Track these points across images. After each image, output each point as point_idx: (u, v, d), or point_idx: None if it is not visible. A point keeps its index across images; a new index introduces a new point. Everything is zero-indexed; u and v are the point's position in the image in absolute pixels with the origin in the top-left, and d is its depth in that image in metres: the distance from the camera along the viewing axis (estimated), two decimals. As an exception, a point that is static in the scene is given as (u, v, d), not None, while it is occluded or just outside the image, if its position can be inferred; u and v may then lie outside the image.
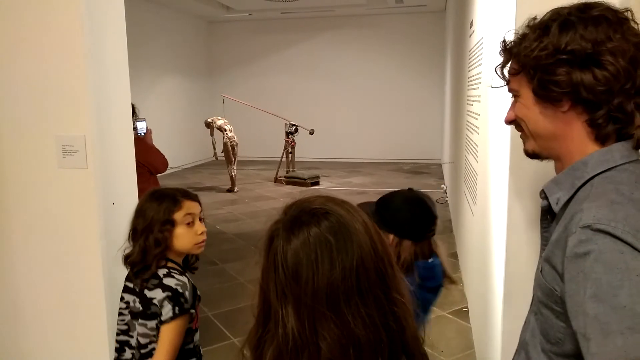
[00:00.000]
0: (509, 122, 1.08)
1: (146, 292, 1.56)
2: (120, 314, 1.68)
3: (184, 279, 1.60)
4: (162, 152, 3.38)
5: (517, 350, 1.14)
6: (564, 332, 0.92)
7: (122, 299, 1.68)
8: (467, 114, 3.80)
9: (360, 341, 0.78)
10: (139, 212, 1.61)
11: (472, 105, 3.48)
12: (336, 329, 0.77)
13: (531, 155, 1.07)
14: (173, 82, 11.02)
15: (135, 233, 1.60)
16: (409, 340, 0.83)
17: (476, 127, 3.08)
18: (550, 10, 0.98)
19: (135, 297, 1.60)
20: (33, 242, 2.15)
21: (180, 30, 11.29)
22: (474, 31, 3.50)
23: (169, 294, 1.54)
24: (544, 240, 1.05)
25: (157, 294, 1.54)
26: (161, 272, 1.59)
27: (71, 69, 1.98)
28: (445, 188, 7.52)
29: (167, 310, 1.52)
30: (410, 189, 1.68)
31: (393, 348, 0.81)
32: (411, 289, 1.01)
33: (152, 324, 1.55)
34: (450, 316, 3.64)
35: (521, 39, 0.99)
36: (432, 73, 11.17)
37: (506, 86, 1.09)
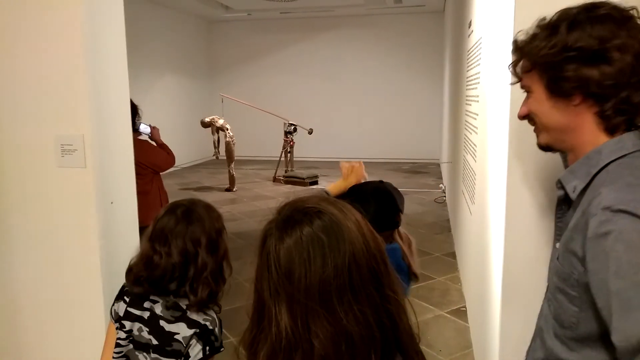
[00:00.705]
0: (522, 117, 1.14)
1: (163, 324, 1.39)
2: (118, 344, 1.46)
3: (212, 313, 1.43)
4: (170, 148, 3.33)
5: (533, 337, 1.19)
6: (577, 316, 0.96)
7: (121, 327, 1.45)
8: (466, 114, 3.81)
9: (353, 338, 0.78)
10: (187, 252, 1.40)
11: (470, 105, 3.48)
12: (329, 326, 0.78)
13: (544, 147, 1.13)
14: (172, 81, 11.02)
15: (192, 257, 1.40)
16: (403, 337, 0.84)
17: (475, 127, 3.08)
18: (559, 11, 1.03)
19: (142, 326, 1.42)
20: (32, 241, 2.14)
21: (180, 29, 11.29)
22: (472, 31, 3.51)
23: (197, 330, 1.37)
24: (558, 231, 1.10)
25: (181, 329, 1.38)
26: (183, 302, 1.41)
27: (70, 68, 1.97)
28: (443, 188, 7.52)
29: (196, 351, 1.36)
30: (380, 181, 1.75)
31: (386, 345, 0.81)
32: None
33: None
34: (449, 315, 3.64)
35: (532, 38, 1.05)
36: (430, 73, 11.17)
37: (518, 83, 1.14)
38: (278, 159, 9.52)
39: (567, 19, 1.00)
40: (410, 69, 11.56)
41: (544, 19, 1.04)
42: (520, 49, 1.07)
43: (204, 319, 1.39)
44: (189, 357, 1.37)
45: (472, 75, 3.40)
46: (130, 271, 1.47)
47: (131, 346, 1.45)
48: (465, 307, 3.71)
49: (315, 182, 8.94)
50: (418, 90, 11.55)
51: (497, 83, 2.00)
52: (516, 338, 1.71)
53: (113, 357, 1.47)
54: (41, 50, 2.00)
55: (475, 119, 3.09)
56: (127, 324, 1.45)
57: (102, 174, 2.07)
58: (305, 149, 10.68)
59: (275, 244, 0.82)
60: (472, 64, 3.42)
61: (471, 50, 3.49)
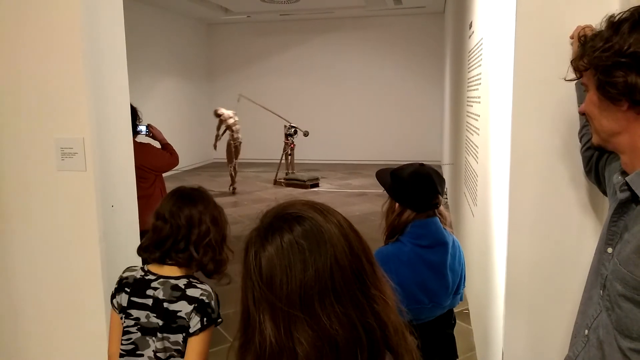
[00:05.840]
0: (581, 113, 1.13)
1: (166, 305, 1.50)
2: (126, 332, 1.54)
3: (208, 287, 1.54)
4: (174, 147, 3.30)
5: (574, 345, 1.15)
6: None
7: (128, 316, 1.54)
8: (467, 115, 3.80)
9: (336, 341, 0.78)
10: (192, 218, 1.55)
11: (472, 106, 3.47)
12: (311, 331, 0.77)
13: (596, 147, 1.12)
14: (172, 84, 11.02)
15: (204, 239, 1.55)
16: (392, 336, 0.83)
17: (476, 128, 3.07)
18: (632, 7, 0.98)
19: (148, 312, 1.52)
20: (32, 244, 2.14)
21: (179, 32, 11.30)
22: (473, 32, 3.50)
23: (196, 305, 1.49)
24: (611, 235, 1.05)
25: (182, 307, 1.49)
26: (181, 282, 1.53)
27: (69, 71, 1.97)
28: (445, 189, 7.51)
29: (195, 322, 1.48)
30: (421, 164, 1.79)
31: (374, 345, 0.81)
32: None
33: (176, 337, 1.50)
34: (451, 318, 3.62)
35: (595, 35, 1.01)
36: (431, 74, 11.17)
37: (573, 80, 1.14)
38: (279, 161, 9.51)
39: (632, 18, 0.95)
40: (410, 71, 11.56)
41: (613, 15, 1.00)
42: (583, 45, 1.04)
43: (201, 294, 1.51)
44: (189, 327, 1.49)
45: (473, 77, 3.39)
46: (141, 245, 1.62)
47: (139, 333, 1.53)
48: (467, 309, 3.69)
49: (316, 185, 8.93)
50: (419, 92, 11.54)
51: (499, 84, 1.99)
52: (519, 341, 1.70)
53: (122, 344, 1.55)
54: (41, 53, 1.99)
55: (476, 120, 3.08)
56: (135, 312, 1.54)
57: (103, 177, 2.06)
58: (305, 151, 10.67)
59: (257, 252, 0.82)
60: (473, 65, 3.41)
61: (472, 51, 3.48)
